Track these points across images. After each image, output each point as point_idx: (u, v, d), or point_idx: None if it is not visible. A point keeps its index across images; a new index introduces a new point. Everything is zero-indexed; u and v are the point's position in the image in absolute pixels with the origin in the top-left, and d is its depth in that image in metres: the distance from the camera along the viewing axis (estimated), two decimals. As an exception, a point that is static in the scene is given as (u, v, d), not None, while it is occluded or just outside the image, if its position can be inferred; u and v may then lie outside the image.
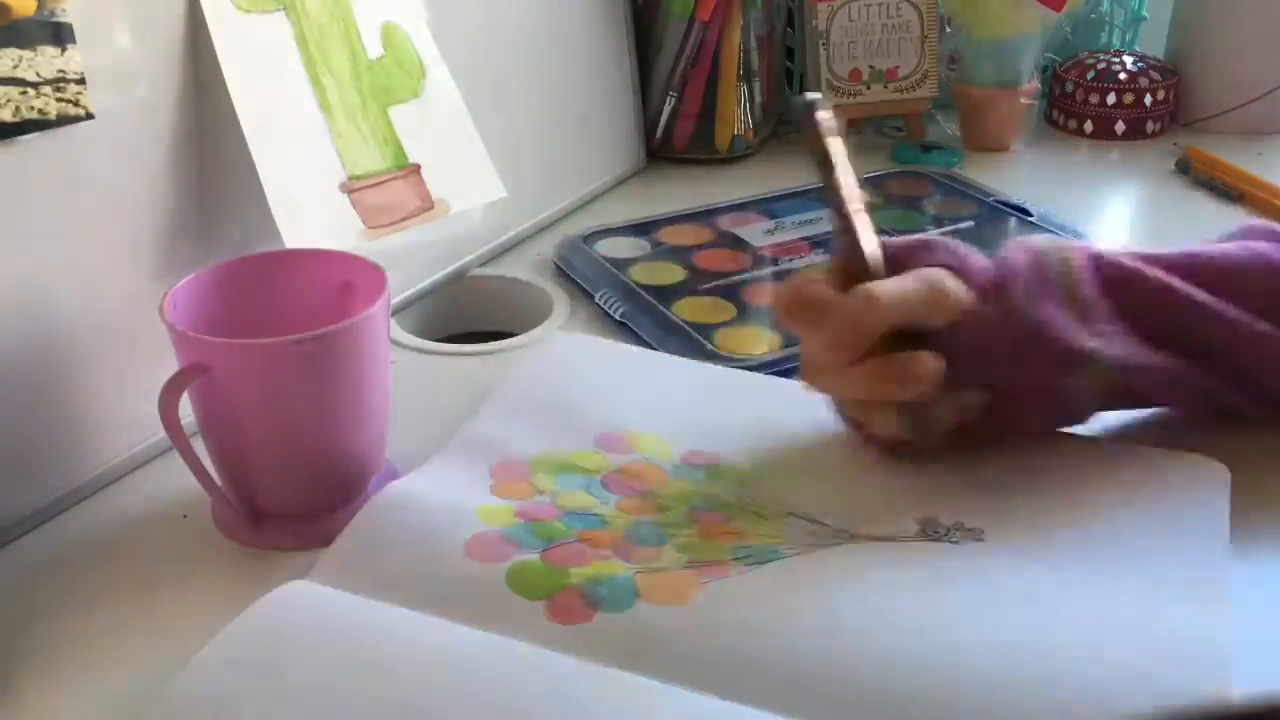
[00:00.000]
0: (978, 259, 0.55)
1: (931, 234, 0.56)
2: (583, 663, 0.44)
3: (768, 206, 0.88)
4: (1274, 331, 0.55)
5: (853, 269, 0.54)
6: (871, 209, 0.55)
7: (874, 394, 0.53)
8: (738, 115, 0.98)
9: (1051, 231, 0.83)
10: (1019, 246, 0.56)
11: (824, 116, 0.55)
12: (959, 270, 0.54)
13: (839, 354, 0.52)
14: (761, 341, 0.70)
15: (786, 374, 0.64)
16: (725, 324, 0.72)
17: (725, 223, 0.86)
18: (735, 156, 0.99)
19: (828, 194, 0.55)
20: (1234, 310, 0.55)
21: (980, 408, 0.54)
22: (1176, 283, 0.56)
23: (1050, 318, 0.53)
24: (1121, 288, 0.55)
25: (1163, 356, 0.55)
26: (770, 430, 0.59)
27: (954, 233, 0.84)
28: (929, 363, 0.52)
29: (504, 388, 0.62)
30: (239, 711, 0.42)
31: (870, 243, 0.54)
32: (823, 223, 0.85)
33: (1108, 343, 0.54)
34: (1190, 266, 0.57)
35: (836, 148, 0.55)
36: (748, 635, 0.46)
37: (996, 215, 0.86)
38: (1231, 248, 0.58)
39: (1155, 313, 0.55)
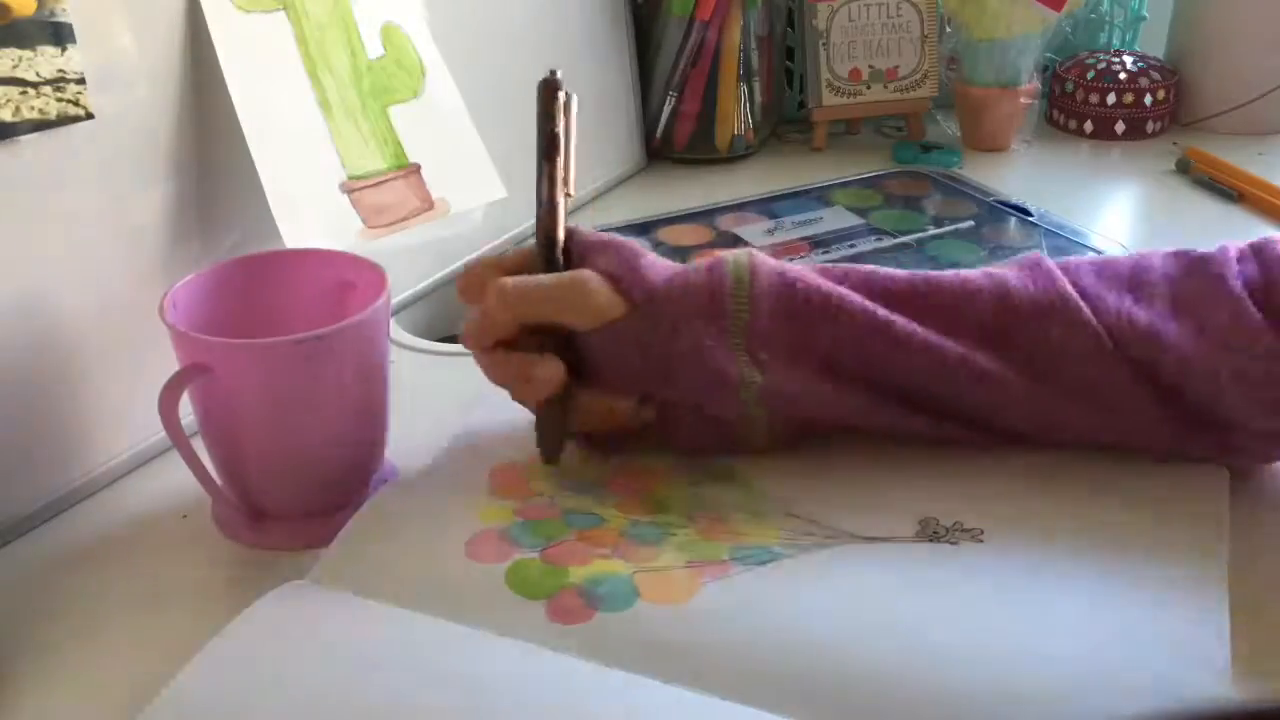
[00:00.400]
0: (655, 269, 0.54)
1: (616, 236, 0.56)
2: (583, 663, 0.44)
3: (767, 206, 0.88)
4: (975, 359, 0.52)
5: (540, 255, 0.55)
6: (569, 202, 0.56)
7: (500, 384, 0.55)
8: (738, 115, 0.98)
9: (1051, 231, 0.83)
10: (707, 261, 0.54)
11: (565, 94, 0.56)
12: (624, 277, 0.53)
13: (475, 339, 0.54)
14: None
15: None
16: None
17: (725, 223, 0.86)
18: (735, 156, 0.99)
19: (541, 174, 0.56)
20: (938, 340, 0.52)
21: (632, 415, 0.55)
22: (871, 310, 0.53)
23: (696, 341, 0.52)
24: (805, 313, 0.53)
25: (839, 386, 0.53)
26: None
27: (954, 232, 0.84)
28: (547, 368, 0.53)
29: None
30: (237, 712, 0.42)
31: (551, 232, 0.55)
32: (823, 222, 0.85)
33: (767, 370, 0.52)
34: (909, 294, 0.54)
35: (569, 129, 0.56)
36: (746, 635, 0.46)
37: (996, 215, 0.86)
38: (973, 274, 0.54)
39: (844, 341, 0.53)
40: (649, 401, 0.55)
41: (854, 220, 0.86)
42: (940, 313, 0.53)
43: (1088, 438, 0.54)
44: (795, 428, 0.56)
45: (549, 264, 0.55)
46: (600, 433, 0.56)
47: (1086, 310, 0.52)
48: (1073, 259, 0.56)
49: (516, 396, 0.55)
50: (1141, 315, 0.52)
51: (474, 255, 0.80)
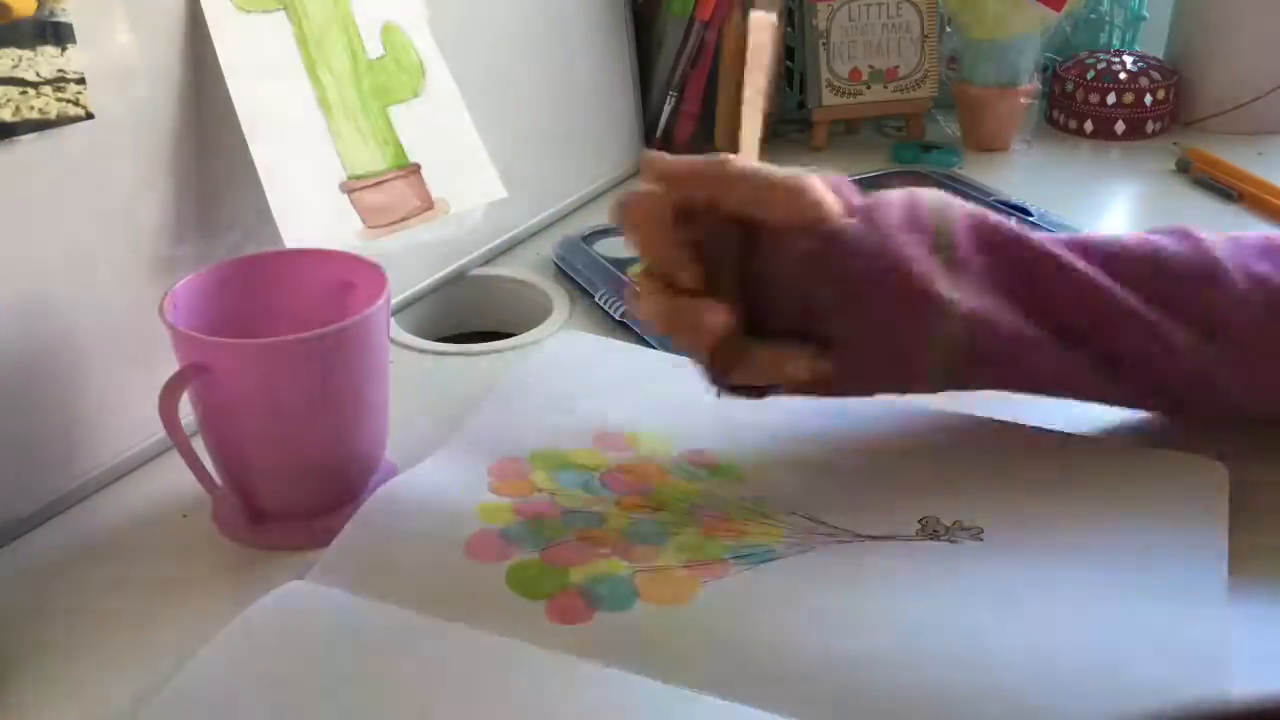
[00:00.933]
0: (856, 191, 0.54)
1: None
2: (583, 663, 0.44)
3: None
4: (1149, 313, 0.53)
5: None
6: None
7: (658, 327, 0.53)
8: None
9: (1051, 231, 0.83)
10: (903, 191, 0.54)
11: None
12: (834, 188, 0.53)
13: (640, 212, 0.51)
14: None
15: None
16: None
17: None
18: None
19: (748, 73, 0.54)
20: (1113, 285, 0.53)
21: (807, 369, 0.52)
22: (1060, 251, 0.53)
23: (911, 252, 0.51)
24: (999, 249, 0.53)
25: (1022, 321, 0.53)
26: (771, 429, 0.59)
27: None
28: (716, 316, 0.50)
29: (504, 385, 0.62)
30: (237, 711, 0.42)
31: (752, 134, 0.55)
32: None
33: (964, 295, 0.51)
34: (1077, 243, 0.54)
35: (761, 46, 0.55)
36: (747, 636, 0.46)
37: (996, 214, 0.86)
38: (1127, 236, 0.56)
39: (1030, 280, 0.53)
40: (825, 351, 0.52)
41: None
42: (1105, 265, 0.53)
43: None
44: (974, 369, 0.54)
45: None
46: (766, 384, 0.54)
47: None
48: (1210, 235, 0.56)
49: (680, 343, 0.53)
50: None
51: (473, 255, 0.80)
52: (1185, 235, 0.55)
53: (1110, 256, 0.54)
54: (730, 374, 0.52)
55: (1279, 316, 0.53)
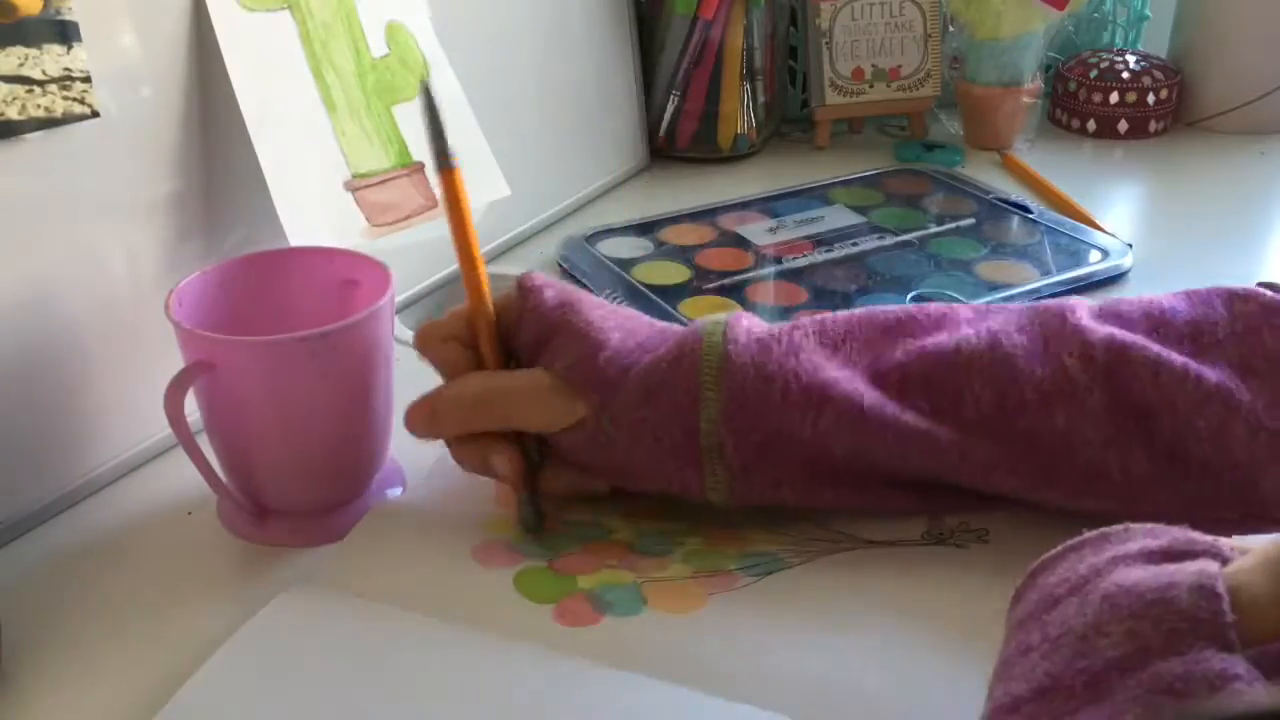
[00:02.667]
0: (616, 360, 0.49)
1: (578, 305, 0.51)
2: (591, 665, 0.45)
3: (769, 205, 0.88)
4: (971, 448, 0.48)
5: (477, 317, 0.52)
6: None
7: (461, 467, 0.53)
8: (741, 114, 0.98)
9: (1051, 228, 0.83)
10: (676, 341, 0.50)
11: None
12: (581, 377, 0.49)
13: (421, 430, 0.53)
14: None
15: None
16: None
17: (727, 222, 0.86)
18: (738, 155, 1.00)
19: (459, 240, 0.52)
20: (929, 428, 0.48)
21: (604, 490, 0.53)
22: (857, 400, 0.48)
23: (659, 444, 0.49)
24: (781, 406, 0.48)
25: (815, 477, 0.50)
26: None
27: (955, 230, 0.84)
28: (503, 461, 0.51)
29: None
30: (247, 715, 0.43)
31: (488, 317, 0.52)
32: (825, 221, 0.86)
33: (736, 471, 0.49)
34: (905, 365, 0.49)
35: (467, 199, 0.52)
36: (756, 643, 0.46)
37: (997, 212, 0.86)
38: (975, 342, 0.49)
39: (825, 434, 0.48)
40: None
41: (855, 219, 0.86)
42: (937, 390, 0.49)
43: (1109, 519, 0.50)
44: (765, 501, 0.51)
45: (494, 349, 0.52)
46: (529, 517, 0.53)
47: (1095, 395, 0.47)
48: (1112, 302, 0.51)
49: (477, 473, 0.53)
50: (1210, 374, 0.47)
51: (482, 252, 0.80)
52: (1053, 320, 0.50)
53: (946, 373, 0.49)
54: (542, 502, 0.53)
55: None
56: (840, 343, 0.50)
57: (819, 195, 0.90)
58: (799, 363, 0.49)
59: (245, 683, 0.44)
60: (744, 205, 0.88)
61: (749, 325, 0.50)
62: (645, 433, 0.49)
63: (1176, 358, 0.47)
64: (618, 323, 0.51)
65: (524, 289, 0.52)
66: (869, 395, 0.48)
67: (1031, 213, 0.85)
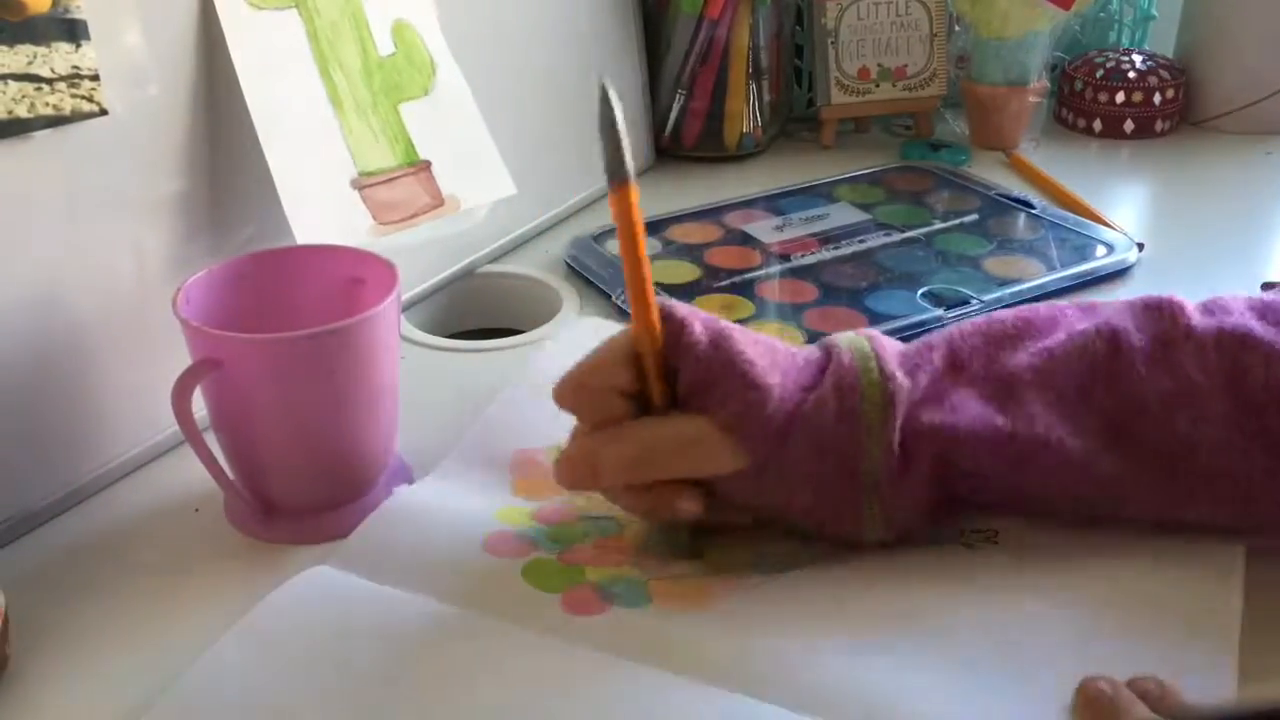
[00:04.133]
0: (779, 408, 0.48)
1: (733, 351, 0.48)
2: (596, 653, 0.45)
3: (774, 203, 0.89)
4: (1100, 461, 0.48)
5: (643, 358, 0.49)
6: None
7: (632, 512, 0.52)
8: (747, 113, 0.98)
9: (1055, 223, 0.83)
10: (835, 384, 0.48)
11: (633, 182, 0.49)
12: (745, 426, 0.48)
13: (582, 484, 0.51)
14: (783, 337, 0.70)
15: None
16: (744, 320, 0.72)
17: (733, 220, 0.86)
18: (744, 154, 1.00)
19: (629, 267, 0.49)
20: (1062, 445, 0.48)
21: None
22: (1000, 431, 0.48)
23: (822, 490, 0.49)
24: (935, 454, 0.48)
25: (959, 504, 0.50)
26: None
27: (960, 226, 0.84)
28: (689, 503, 0.49)
29: (524, 377, 0.63)
30: (258, 694, 0.43)
31: (656, 360, 0.49)
32: (830, 218, 0.86)
33: (892, 508, 0.49)
34: (1031, 378, 0.50)
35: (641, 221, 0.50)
36: (762, 637, 0.46)
37: (1000, 208, 0.86)
38: (1091, 340, 0.50)
39: (972, 471, 0.49)
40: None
41: (860, 216, 0.86)
42: (1063, 398, 0.49)
43: (1221, 524, 0.50)
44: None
45: (657, 393, 0.49)
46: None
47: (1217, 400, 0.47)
48: (1228, 299, 0.51)
49: (651, 519, 0.52)
50: None
51: (483, 252, 0.80)
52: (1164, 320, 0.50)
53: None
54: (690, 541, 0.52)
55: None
56: (968, 361, 0.51)
57: (823, 193, 0.90)
58: (951, 401, 0.49)
59: (255, 661, 0.44)
60: (749, 203, 0.89)
61: (893, 352, 0.50)
62: (810, 483, 0.49)
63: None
64: (771, 359, 0.50)
65: (674, 323, 0.49)
66: (1055, 432, 0.48)
67: (1035, 208, 0.86)
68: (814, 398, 0.48)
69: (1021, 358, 0.50)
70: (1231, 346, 0.48)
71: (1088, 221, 0.84)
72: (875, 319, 0.71)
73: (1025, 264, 0.78)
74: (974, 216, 0.85)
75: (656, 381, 0.49)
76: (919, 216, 0.86)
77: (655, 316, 0.49)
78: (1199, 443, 0.48)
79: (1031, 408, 0.49)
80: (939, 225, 0.84)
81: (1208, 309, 0.51)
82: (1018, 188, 0.90)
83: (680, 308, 0.50)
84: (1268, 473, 0.48)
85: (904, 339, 0.53)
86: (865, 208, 0.87)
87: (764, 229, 0.84)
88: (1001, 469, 0.49)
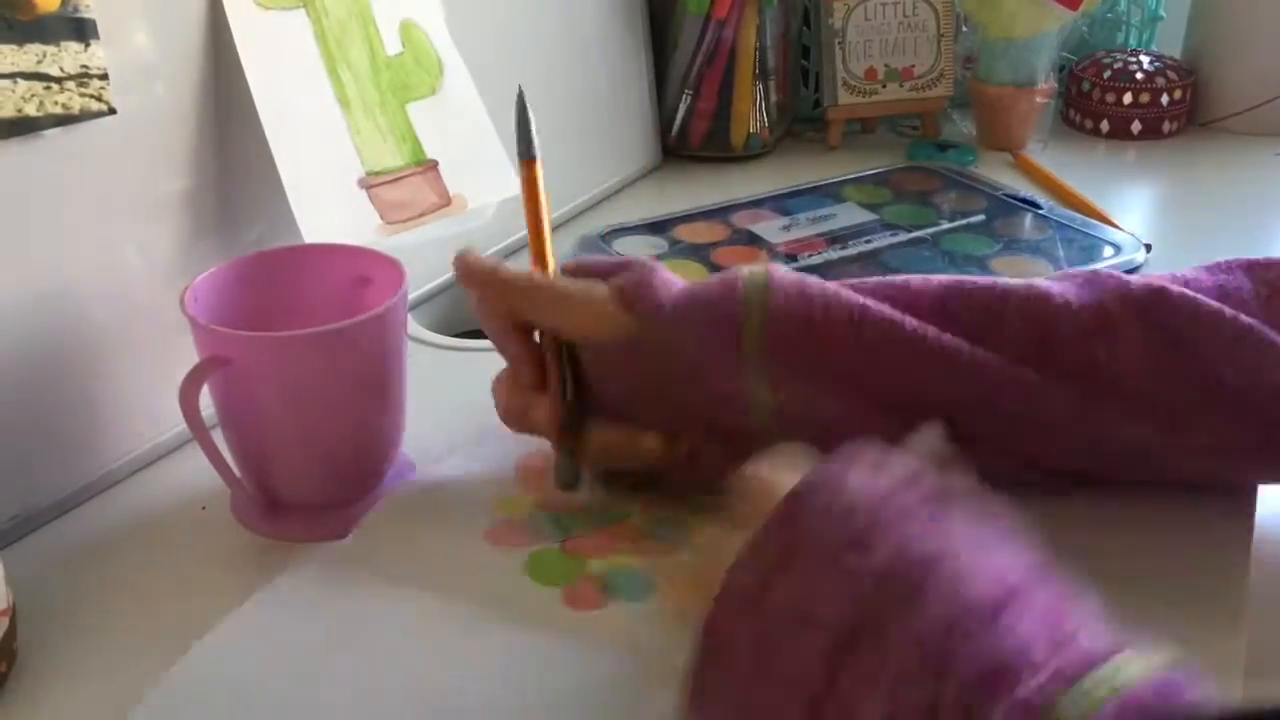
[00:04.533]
0: (667, 286, 0.51)
1: (635, 257, 0.55)
2: (595, 648, 0.45)
3: (782, 203, 0.89)
4: (1015, 371, 0.48)
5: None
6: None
7: (502, 416, 0.55)
8: (753, 113, 0.98)
9: (1062, 224, 0.83)
10: (720, 275, 0.51)
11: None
12: (632, 292, 0.51)
13: (481, 319, 0.54)
14: None
15: None
16: None
17: (740, 220, 0.86)
18: (750, 155, 1.00)
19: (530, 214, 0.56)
20: (973, 351, 0.49)
21: (662, 452, 0.52)
22: (899, 321, 0.49)
23: (705, 359, 0.50)
24: (824, 325, 0.49)
25: (860, 404, 0.49)
26: None
27: (966, 226, 0.84)
28: (540, 410, 0.53)
29: None
30: (254, 685, 0.43)
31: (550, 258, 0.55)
32: (837, 219, 0.86)
33: (782, 389, 0.49)
34: (944, 297, 0.50)
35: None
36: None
37: (1007, 209, 0.86)
38: (1014, 282, 0.51)
39: (868, 354, 0.49)
40: (679, 438, 0.52)
41: (867, 216, 0.86)
42: (975, 323, 0.49)
43: (1135, 471, 0.51)
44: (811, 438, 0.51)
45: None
46: (622, 470, 0.54)
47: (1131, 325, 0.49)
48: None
49: (518, 430, 0.54)
50: (1244, 317, 0.49)
51: (490, 251, 0.81)
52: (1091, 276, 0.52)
53: (983, 309, 0.50)
54: (585, 461, 0.53)
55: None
56: (873, 290, 0.52)
57: (830, 193, 0.90)
58: (838, 289, 0.50)
59: (251, 652, 0.44)
60: (757, 203, 0.89)
61: (784, 270, 0.52)
62: (690, 342, 0.50)
63: (1212, 301, 0.49)
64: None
65: (593, 271, 0.54)
66: (909, 319, 0.49)
67: (1041, 209, 0.85)
68: (699, 282, 0.52)
69: (932, 285, 0.51)
70: (1155, 289, 0.49)
71: (1095, 222, 0.84)
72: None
73: (1032, 264, 0.78)
74: (980, 217, 0.85)
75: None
76: (925, 217, 0.86)
77: (550, 263, 0.55)
78: (1117, 371, 0.48)
79: (934, 322, 0.49)
80: (945, 225, 0.84)
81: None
82: (1025, 188, 0.90)
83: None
84: (1189, 407, 0.49)
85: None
86: (872, 208, 0.87)
87: (771, 229, 0.84)
88: (905, 363, 0.49)
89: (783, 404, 0.50)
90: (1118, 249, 0.79)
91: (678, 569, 0.50)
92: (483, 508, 0.53)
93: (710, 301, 0.50)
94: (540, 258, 0.55)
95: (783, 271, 0.51)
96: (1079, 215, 0.85)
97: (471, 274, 0.53)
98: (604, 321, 0.51)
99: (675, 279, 0.53)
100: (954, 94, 1.03)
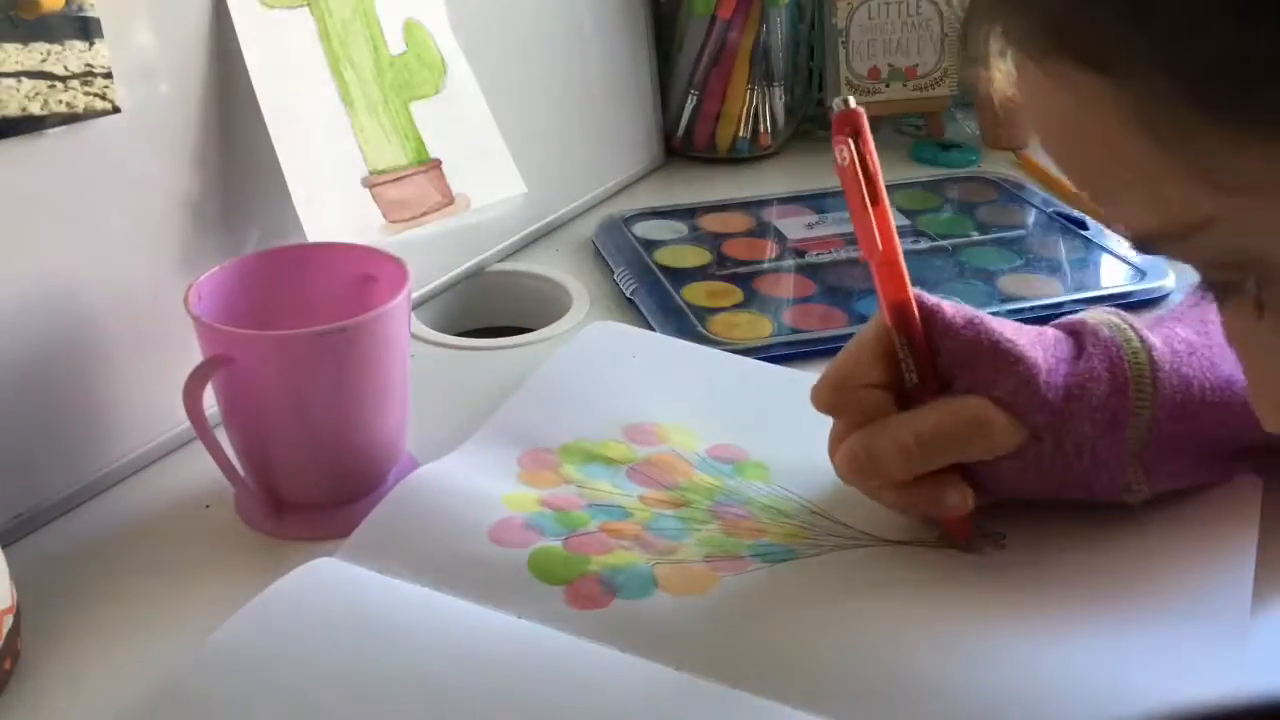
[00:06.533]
0: (1052, 382, 0.49)
1: (994, 334, 0.49)
2: (598, 647, 0.45)
3: (818, 201, 0.89)
4: None
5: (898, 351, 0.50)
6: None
7: (899, 511, 0.52)
8: (745, 116, 0.98)
9: (1101, 247, 0.81)
10: (1101, 356, 0.50)
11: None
12: (1022, 402, 0.48)
13: (861, 477, 0.50)
14: (754, 327, 0.71)
15: (778, 360, 0.66)
16: (726, 309, 0.73)
17: (769, 214, 0.87)
18: (757, 155, 0.99)
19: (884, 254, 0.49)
20: None
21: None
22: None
23: (1094, 457, 0.49)
24: (1200, 412, 0.49)
25: (1218, 466, 0.52)
26: (799, 427, 0.59)
27: (997, 240, 0.82)
28: (956, 497, 0.49)
29: (537, 375, 0.63)
30: (261, 681, 0.43)
31: (914, 336, 0.50)
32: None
33: (1152, 473, 0.50)
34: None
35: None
36: (762, 630, 0.46)
37: (1049, 227, 0.84)
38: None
39: (1229, 428, 0.50)
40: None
41: (901, 221, 0.85)
42: None
43: None
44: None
45: (921, 378, 0.50)
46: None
47: None
48: None
49: (919, 517, 0.52)
50: None
51: (493, 250, 0.81)
52: None
53: None
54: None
55: None
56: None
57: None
58: (1210, 370, 0.50)
59: (257, 650, 0.44)
60: (791, 200, 0.89)
61: (1149, 325, 0.51)
62: (1085, 451, 0.49)
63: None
64: (1024, 336, 0.50)
65: (925, 308, 0.50)
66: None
67: (1087, 228, 0.83)
68: (1083, 367, 0.49)
69: None
70: None
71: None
72: (859, 321, 0.71)
73: (1044, 283, 0.76)
74: (1019, 232, 0.84)
75: (929, 377, 0.50)
76: (961, 227, 0.84)
77: (911, 298, 0.49)
78: None
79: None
80: (975, 237, 0.83)
81: None
82: (1036, 190, 0.90)
83: (926, 295, 0.51)
84: None
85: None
86: (910, 214, 0.86)
87: (795, 225, 0.84)
88: (1246, 427, 0.47)
89: (1151, 481, 0.50)
90: (1142, 274, 0.76)
91: (678, 564, 0.50)
92: (485, 505, 0.53)
93: (1101, 400, 0.49)
94: (906, 313, 0.49)
95: (1157, 343, 0.50)
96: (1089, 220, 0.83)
97: (854, 469, 0.50)
98: (998, 442, 0.49)
99: (1044, 361, 0.49)
100: (957, 93, 1.03)
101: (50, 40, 0.52)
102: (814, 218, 0.86)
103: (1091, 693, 0.43)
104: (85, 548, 0.54)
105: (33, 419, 0.54)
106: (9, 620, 0.46)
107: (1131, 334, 0.50)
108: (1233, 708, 0.25)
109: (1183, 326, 0.52)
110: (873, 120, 1.06)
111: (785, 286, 0.76)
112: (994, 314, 0.49)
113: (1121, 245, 0.81)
